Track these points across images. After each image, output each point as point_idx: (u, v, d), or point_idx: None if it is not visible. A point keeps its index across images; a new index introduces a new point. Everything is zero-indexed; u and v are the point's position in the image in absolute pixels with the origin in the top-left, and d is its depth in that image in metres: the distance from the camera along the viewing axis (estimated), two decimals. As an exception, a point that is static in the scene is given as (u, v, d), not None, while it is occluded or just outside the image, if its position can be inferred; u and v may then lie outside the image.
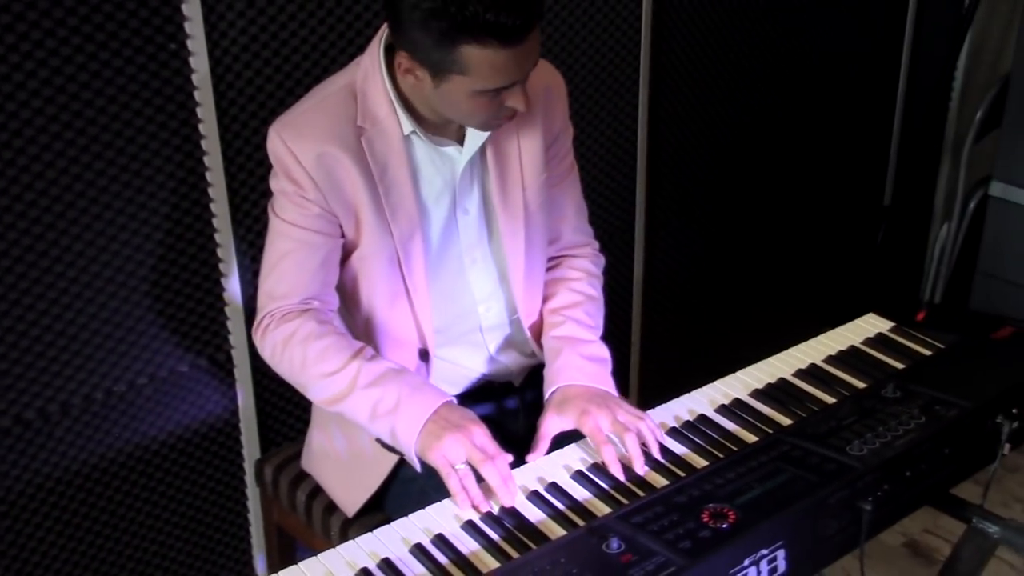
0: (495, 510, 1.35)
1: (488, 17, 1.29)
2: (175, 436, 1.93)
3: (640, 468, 1.41)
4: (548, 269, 1.72)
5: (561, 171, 1.68)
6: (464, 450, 1.39)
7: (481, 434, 1.41)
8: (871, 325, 1.76)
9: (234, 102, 1.81)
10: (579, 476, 1.40)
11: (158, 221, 1.79)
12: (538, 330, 1.69)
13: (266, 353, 1.56)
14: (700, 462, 1.42)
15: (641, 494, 1.34)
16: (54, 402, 1.76)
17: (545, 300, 1.70)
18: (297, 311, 1.52)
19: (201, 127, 1.78)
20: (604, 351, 1.64)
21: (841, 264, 3.21)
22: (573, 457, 1.45)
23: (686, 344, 2.82)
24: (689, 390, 1.61)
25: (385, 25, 1.48)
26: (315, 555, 1.29)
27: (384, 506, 1.63)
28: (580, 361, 1.59)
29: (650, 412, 1.53)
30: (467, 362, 1.67)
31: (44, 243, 1.67)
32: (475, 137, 1.52)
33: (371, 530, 1.34)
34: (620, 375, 2.67)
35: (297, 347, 1.50)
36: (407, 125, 1.48)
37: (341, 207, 1.50)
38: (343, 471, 1.65)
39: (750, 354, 1.69)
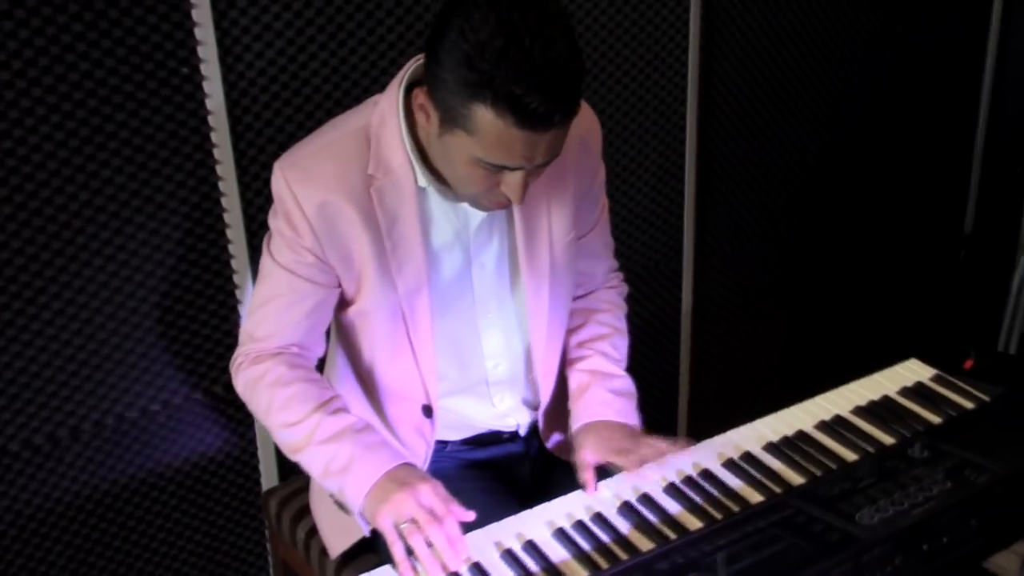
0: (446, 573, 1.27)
1: (515, 90, 1.18)
2: (190, 463, 1.91)
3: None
4: (574, 299, 1.66)
5: (595, 215, 1.62)
6: (409, 509, 1.30)
7: (429, 492, 1.32)
8: (911, 372, 1.62)
9: (250, 127, 1.78)
10: (559, 535, 1.31)
11: (171, 246, 1.77)
12: (552, 392, 1.62)
13: (239, 389, 1.53)
14: (695, 523, 1.31)
15: (624, 556, 1.24)
16: (64, 427, 1.75)
17: (571, 332, 1.65)
18: (269, 354, 1.48)
19: (216, 152, 1.76)
20: (630, 385, 1.61)
21: (914, 294, 3.02)
22: (559, 513, 1.35)
23: (738, 377, 2.69)
24: (739, 426, 1.52)
25: (406, 66, 1.40)
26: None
27: (378, 548, 1.56)
28: (607, 396, 1.56)
29: (650, 466, 1.43)
30: (472, 413, 1.61)
31: (53, 269, 1.67)
32: None
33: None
34: (667, 409, 2.57)
35: (264, 391, 1.46)
36: (422, 178, 1.41)
37: (340, 260, 1.44)
38: (334, 512, 1.59)
39: (808, 390, 1.59)
